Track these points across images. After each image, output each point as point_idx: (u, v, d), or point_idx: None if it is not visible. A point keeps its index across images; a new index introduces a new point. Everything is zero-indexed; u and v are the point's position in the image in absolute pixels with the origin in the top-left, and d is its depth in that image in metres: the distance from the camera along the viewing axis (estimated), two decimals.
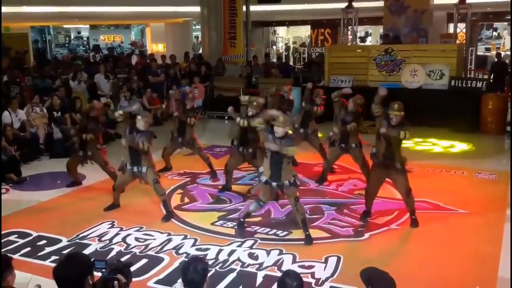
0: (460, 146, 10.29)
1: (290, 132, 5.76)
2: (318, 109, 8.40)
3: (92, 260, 2.85)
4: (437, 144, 10.49)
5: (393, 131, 5.94)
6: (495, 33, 23.89)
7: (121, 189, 7.03)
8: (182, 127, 8.15)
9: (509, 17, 20.33)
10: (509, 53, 19.21)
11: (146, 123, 6.52)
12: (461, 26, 14.58)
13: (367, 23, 21.26)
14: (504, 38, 22.89)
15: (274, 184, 5.71)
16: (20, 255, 5.47)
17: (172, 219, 6.51)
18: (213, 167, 8.28)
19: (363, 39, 23.58)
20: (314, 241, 5.78)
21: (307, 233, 5.81)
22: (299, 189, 5.96)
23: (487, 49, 21.66)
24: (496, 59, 15.37)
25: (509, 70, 14.27)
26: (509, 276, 4.86)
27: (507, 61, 16.17)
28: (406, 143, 10.45)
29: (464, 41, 14.48)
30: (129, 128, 6.47)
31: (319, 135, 8.86)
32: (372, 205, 6.45)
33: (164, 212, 6.59)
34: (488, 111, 11.39)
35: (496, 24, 23.39)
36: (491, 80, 13.45)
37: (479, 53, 19.30)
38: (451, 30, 16.29)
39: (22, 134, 9.65)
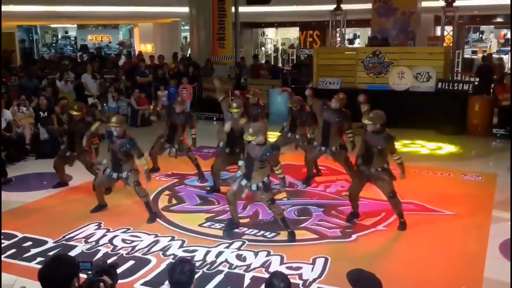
0: (446, 148, 10.37)
1: (261, 139, 5.62)
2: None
3: (77, 262, 2.83)
4: (424, 146, 10.56)
5: (372, 139, 6.00)
6: (482, 36, 24.14)
7: (101, 189, 6.90)
8: (173, 132, 8.04)
9: (495, 21, 20.60)
10: (496, 56, 19.41)
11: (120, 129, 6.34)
12: (448, 29, 14.70)
13: (356, 25, 21.35)
14: (490, 41, 23.14)
15: (244, 181, 5.85)
16: (5, 257, 5.41)
17: (160, 221, 6.48)
18: (200, 169, 8.25)
19: (351, 41, 23.69)
20: (301, 242, 5.80)
21: (289, 230, 5.88)
22: (271, 193, 5.90)
23: (474, 52, 21.89)
24: (482, 62, 15.53)
25: (494, 73, 14.42)
26: (495, 277, 4.92)
27: (505, 62, 16.31)
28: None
29: (451, 44, 14.60)
30: (107, 132, 6.43)
31: None
32: (357, 206, 6.47)
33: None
34: (474, 113, 11.49)
35: (482, 27, 23.63)
36: (477, 83, 13.57)
37: (465, 56, 19.51)
38: (438, 32, 16.39)
39: (8, 134, 9.55)
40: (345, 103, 7.46)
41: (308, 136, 8.14)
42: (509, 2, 11.92)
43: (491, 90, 12.68)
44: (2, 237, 5.88)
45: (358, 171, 6.33)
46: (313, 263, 5.24)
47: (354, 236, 5.97)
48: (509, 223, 5.99)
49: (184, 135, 8.24)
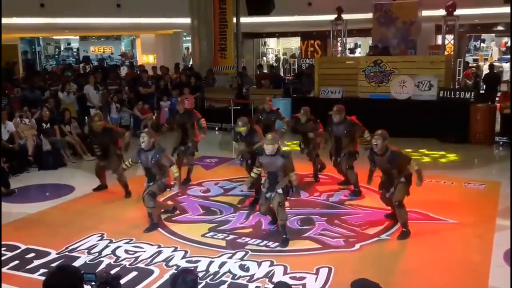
0: (449, 157, 10.36)
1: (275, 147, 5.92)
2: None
3: (81, 273, 2.83)
4: (427, 155, 10.54)
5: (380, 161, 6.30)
6: (483, 44, 24.18)
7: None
8: (185, 133, 8.26)
9: (496, 29, 20.65)
10: (498, 64, 19.44)
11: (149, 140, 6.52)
12: (449, 37, 14.73)
13: (356, 34, 21.41)
14: (492, 49, 23.18)
15: (268, 194, 6.05)
16: (8, 268, 5.40)
17: (162, 231, 6.47)
18: (190, 173, 8.46)
19: (352, 51, 23.75)
20: (305, 252, 5.78)
21: (284, 236, 6.00)
22: (285, 197, 6.02)
23: (475, 60, 21.92)
24: (488, 71, 15.58)
25: (500, 82, 14.51)
26: (500, 285, 4.89)
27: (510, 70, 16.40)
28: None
29: (452, 53, 14.63)
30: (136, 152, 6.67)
31: None
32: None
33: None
34: (476, 121, 11.47)
35: (483, 36, 23.69)
36: (483, 91, 13.60)
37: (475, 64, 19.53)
38: (439, 41, 16.43)
39: (10, 145, 9.57)
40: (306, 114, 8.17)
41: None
42: (509, 11, 11.97)
43: (497, 98, 12.72)
44: (5, 248, 5.88)
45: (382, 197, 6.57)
46: (317, 273, 5.22)
47: (357, 246, 5.94)
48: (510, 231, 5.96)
49: (198, 136, 8.35)
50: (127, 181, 7.87)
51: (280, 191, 5.93)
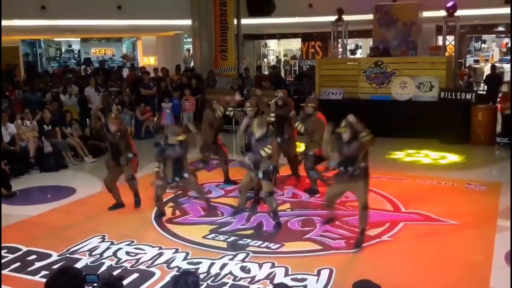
0: (450, 158, 10.35)
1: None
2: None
3: (84, 274, 2.83)
4: (428, 156, 10.54)
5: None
6: (483, 45, 24.17)
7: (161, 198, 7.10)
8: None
9: (497, 30, 20.65)
10: (499, 64, 19.43)
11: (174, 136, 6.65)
12: (450, 38, 14.73)
13: (357, 36, 21.41)
14: (493, 50, 23.17)
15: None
16: (9, 271, 5.41)
17: (164, 233, 6.48)
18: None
19: (353, 52, 23.75)
20: (306, 254, 5.78)
21: (277, 221, 6.48)
22: (271, 185, 6.53)
23: (476, 61, 21.91)
24: (490, 71, 15.58)
25: (502, 83, 14.51)
26: (501, 287, 4.88)
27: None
28: (397, 155, 10.58)
29: (453, 53, 14.63)
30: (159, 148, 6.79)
31: None
32: None
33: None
34: (478, 122, 11.47)
35: (484, 36, 23.67)
36: (485, 92, 13.60)
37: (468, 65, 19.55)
38: (440, 42, 16.43)
39: (12, 148, 9.59)
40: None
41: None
42: (510, 11, 11.97)
43: (498, 98, 12.73)
44: (6, 250, 5.89)
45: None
46: (318, 274, 5.22)
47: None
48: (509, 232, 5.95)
49: (220, 140, 8.40)
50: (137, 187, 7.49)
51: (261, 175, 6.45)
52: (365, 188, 5.94)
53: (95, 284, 2.85)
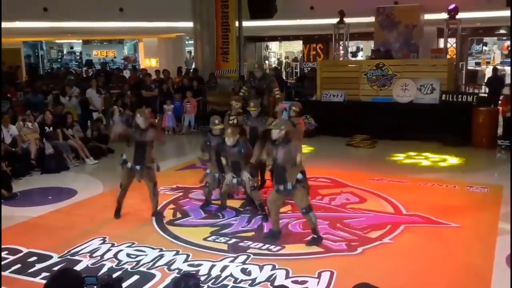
0: (451, 160, 10.34)
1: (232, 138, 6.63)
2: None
3: (83, 276, 2.83)
4: (429, 158, 10.54)
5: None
6: (485, 48, 24.16)
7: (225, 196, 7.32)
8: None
9: (498, 32, 20.63)
10: (500, 67, 19.43)
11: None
12: (451, 41, 14.74)
13: (358, 38, 21.41)
14: (494, 53, 23.16)
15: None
16: (10, 272, 5.41)
17: (164, 235, 6.47)
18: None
19: (354, 54, 23.77)
20: (307, 256, 5.77)
21: (264, 213, 6.78)
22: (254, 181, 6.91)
23: (477, 64, 21.91)
24: (492, 74, 15.58)
25: (504, 85, 14.51)
26: None
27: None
28: (398, 157, 10.56)
29: (454, 56, 14.64)
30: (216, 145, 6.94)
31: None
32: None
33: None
34: (479, 125, 11.46)
35: (486, 39, 23.67)
36: (487, 95, 13.59)
37: (469, 67, 19.54)
38: (441, 45, 16.44)
39: (13, 149, 9.60)
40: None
41: None
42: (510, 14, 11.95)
43: (500, 101, 12.72)
44: (7, 252, 5.89)
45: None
46: (319, 277, 5.21)
47: (360, 249, 5.93)
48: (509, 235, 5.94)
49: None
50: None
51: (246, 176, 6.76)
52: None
53: (94, 286, 2.84)
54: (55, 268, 5.36)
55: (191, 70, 17.88)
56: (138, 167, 6.80)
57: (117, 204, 7.05)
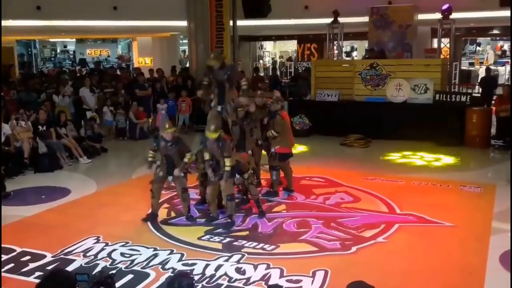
0: (445, 160, 10.38)
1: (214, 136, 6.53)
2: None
3: (74, 277, 2.81)
4: (422, 158, 10.57)
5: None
6: (478, 48, 24.29)
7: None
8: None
9: (492, 33, 20.75)
10: (493, 67, 19.54)
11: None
12: (445, 41, 14.79)
13: (353, 38, 21.47)
14: (487, 53, 23.28)
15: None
16: (3, 271, 5.36)
17: (158, 234, 6.46)
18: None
19: (348, 54, 23.82)
20: (301, 255, 5.77)
21: (260, 209, 6.91)
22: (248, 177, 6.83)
23: (471, 64, 22.01)
24: (485, 74, 15.65)
25: (497, 85, 14.58)
26: None
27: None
28: (392, 157, 10.59)
29: (448, 56, 14.69)
30: None
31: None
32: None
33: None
34: (472, 124, 11.51)
35: (479, 39, 23.79)
36: (480, 94, 13.65)
37: (463, 67, 19.63)
38: (435, 45, 16.50)
39: (6, 148, 9.54)
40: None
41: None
42: (505, 15, 12.00)
43: (493, 101, 12.78)
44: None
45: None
46: (313, 276, 5.21)
47: (354, 248, 5.94)
48: (509, 234, 5.98)
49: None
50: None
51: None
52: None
53: (86, 284, 2.82)
54: (49, 268, 5.35)
55: (182, 69, 17.86)
56: (170, 178, 6.92)
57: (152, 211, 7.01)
